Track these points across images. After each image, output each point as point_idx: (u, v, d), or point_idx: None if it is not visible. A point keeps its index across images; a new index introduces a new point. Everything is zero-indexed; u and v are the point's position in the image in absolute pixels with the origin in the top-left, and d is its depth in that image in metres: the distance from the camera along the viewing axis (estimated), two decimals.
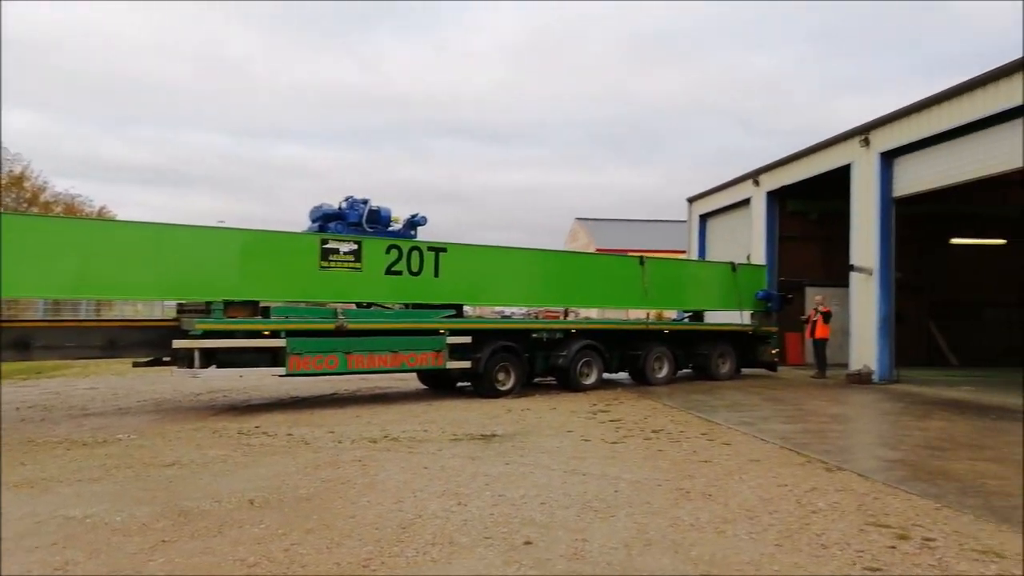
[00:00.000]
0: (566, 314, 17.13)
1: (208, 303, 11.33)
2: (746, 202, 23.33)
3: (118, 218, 23.00)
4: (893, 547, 4.98)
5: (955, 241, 23.35)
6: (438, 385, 14.55)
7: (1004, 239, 22.90)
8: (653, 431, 9.74)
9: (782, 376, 17.82)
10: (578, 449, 8.50)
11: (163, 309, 19.48)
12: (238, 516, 5.66)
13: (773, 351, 17.67)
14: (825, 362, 17.71)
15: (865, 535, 5.25)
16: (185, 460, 7.73)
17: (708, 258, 25.21)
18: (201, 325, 10.85)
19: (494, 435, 9.39)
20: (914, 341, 21.64)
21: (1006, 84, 12.91)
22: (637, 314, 18.96)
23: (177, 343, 10.76)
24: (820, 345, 17.85)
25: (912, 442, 9.06)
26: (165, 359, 11.42)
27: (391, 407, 12.12)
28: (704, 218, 26.84)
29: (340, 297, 12.55)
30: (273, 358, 11.41)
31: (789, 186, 20.99)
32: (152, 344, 11.33)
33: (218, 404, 12.47)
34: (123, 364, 13.50)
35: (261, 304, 11.72)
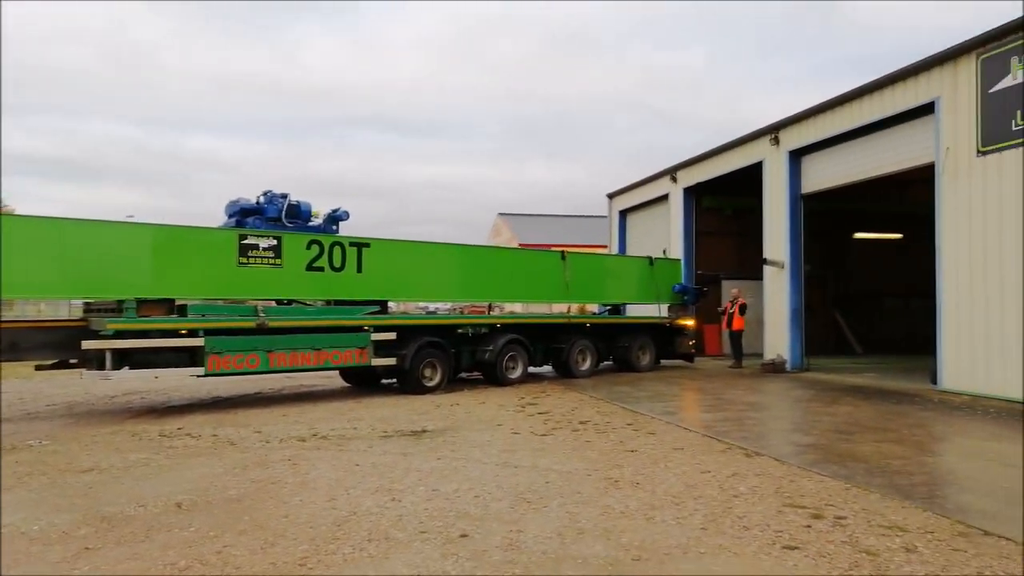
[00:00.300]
0: (490, 308, 17.20)
1: (119, 302, 10.86)
2: (664, 198, 23.96)
3: (16, 213, 21.72)
4: (809, 526, 5.29)
5: (858, 236, 24.65)
6: (361, 382, 14.42)
7: (901, 234, 24.31)
8: (580, 423, 9.96)
9: (700, 367, 18.46)
10: (508, 442, 8.62)
11: (70, 309, 18.56)
12: (165, 520, 5.51)
13: (690, 342, 18.24)
14: (742, 352, 18.44)
15: (783, 516, 5.55)
16: (104, 465, 7.45)
17: (629, 253, 25.76)
18: (113, 325, 10.45)
19: (424, 431, 9.41)
20: (822, 331, 22.78)
21: (903, 88, 13.72)
22: (560, 308, 19.26)
23: (87, 344, 10.31)
24: (736, 336, 18.56)
25: (823, 427, 9.57)
26: (72, 361, 10.92)
27: (318, 405, 11.95)
28: (624, 214, 27.42)
29: (260, 294, 12.23)
30: (191, 358, 11.09)
31: (705, 183, 21.69)
32: (58, 346, 10.77)
33: (135, 406, 12.02)
34: (26, 367, 12.78)
35: (177, 302, 11.35)
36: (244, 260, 11.77)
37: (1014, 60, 11.39)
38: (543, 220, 53.72)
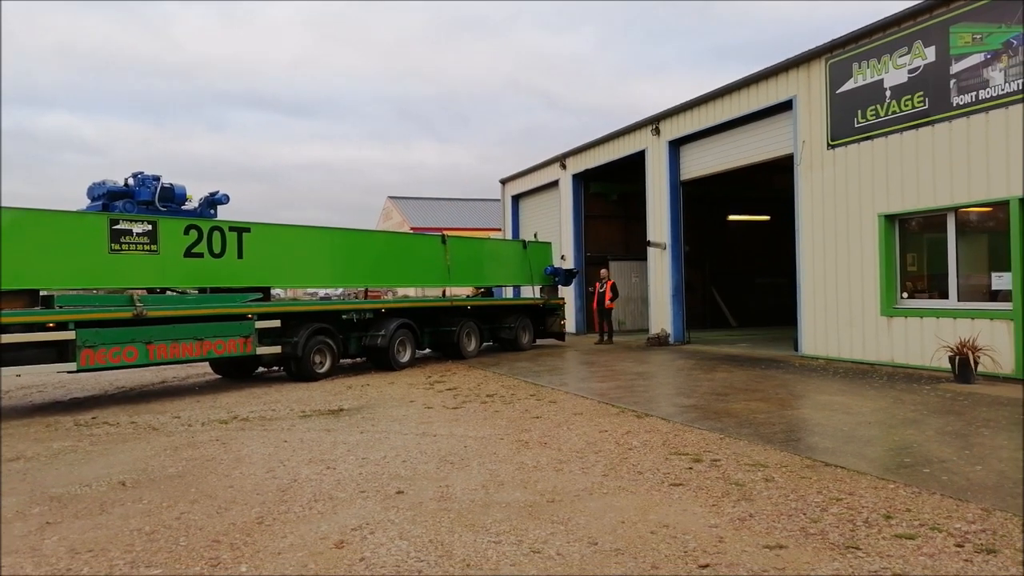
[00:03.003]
0: (366, 294, 17.26)
1: None
2: (555, 184, 25.10)
3: None
4: (690, 468, 6.31)
5: (731, 218, 26.69)
6: (234, 374, 14.05)
7: (769, 216, 26.51)
8: (488, 396, 10.79)
9: (575, 343, 19.74)
10: (424, 416, 9.32)
11: None
12: (114, 496, 5.89)
13: (562, 321, 19.35)
14: (612, 329, 19.88)
15: (670, 462, 6.56)
16: (29, 454, 7.60)
17: (522, 237, 26.78)
18: None
19: (341, 409, 9.95)
20: (701, 307, 24.68)
21: (765, 86, 15.25)
22: (437, 292, 19.65)
23: None
24: (607, 314, 19.93)
25: (702, 391, 10.82)
26: None
27: (229, 393, 12.19)
28: (516, 199, 28.41)
29: (135, 282, 11.52)
30: (59, 353, 10.37)
31: (592, 169, 22.96)
32: None
33: (36, 401, 11.84)
34: None
35: (42, 293, 10.72)
36: (116, 246, 11.14)
37: (855, 65, 13.01)
38: (434, 204, 54.07)
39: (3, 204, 10.25)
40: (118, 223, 11.25)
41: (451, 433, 8.13)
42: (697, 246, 23.25)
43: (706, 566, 4.11)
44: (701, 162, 18.14)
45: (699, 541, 4.50)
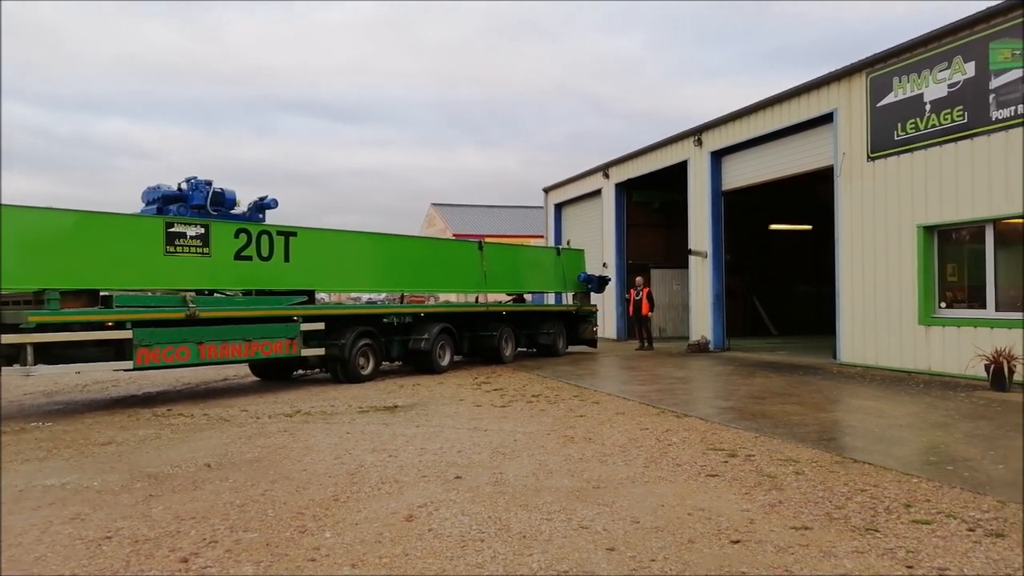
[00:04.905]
0: (402, 299, 17.44)
1: (38, 292, 10.23)
2: (597, 193, 25.59)
3: None
4: (726, 462, 6.78)
5: (773, 227, 26.83)
6: (273, 375, 14.40)
7: (811, 225, 26.59)
8: (533, 396, 11.34)
9: (612, 349, 20.15)
10: (474, 413, 9.91)
11: None
12: (204, 476, 6.59)
13: (594, 328, 19.66)
14: (651, 335, 20.24)
15: (707, 456, 7.03)
16: (119, 439, 8.38)
17: (567, 245, 27.31)
18: (34, 318, 9.86)
19: (396, 406, 10.60)
20: (741, 314, 24.88)
21: (807, 99, 15.56)
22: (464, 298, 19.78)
23: (7, 339, 9.69)
24: (645, 321, 20.28)
25: (740, 394, 11.22)
26: None
27: (287, 391, 12.95)
28: (559, 207, 28.95)
29: (188, 284, 11.80)
30: (117, 351, 10.66)
31: (635, 179, 23.39)
32: None
33: (112, 395, 12.74)
34: None
35: (101, 293, 10.95)
36: (171, 249, 11.39)
37: (895, 80, 13.29)
38: (477, 211, 54.83)
39: (62, 207, 10.63)
40: (173, 226, 11.52)
41: (501, 428, 8.70)
42: (738, 254, 23.48)
43: (737, 542, 4.59)
44: (742, 173, 18.47)
45: (731, 522, 4.98)
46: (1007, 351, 10.80)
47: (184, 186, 12.97)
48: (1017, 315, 11.41)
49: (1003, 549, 4.36)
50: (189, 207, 12.71)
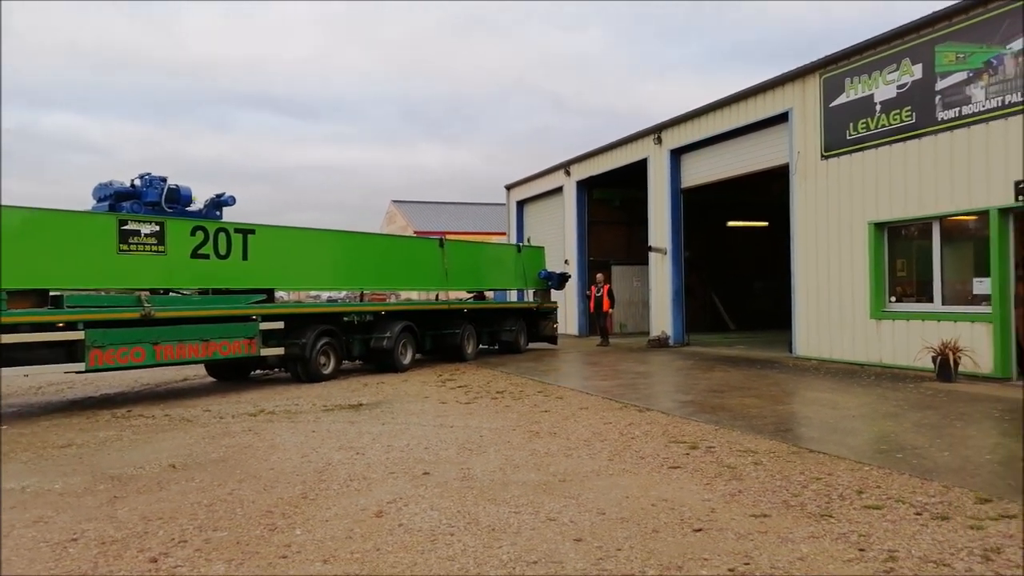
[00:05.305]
0: (362, 297, 17.16)
1: None
2: (559, 190, 25.78)
3: None
4: (687, 454, 6.96)
5: (731, 224, 27.34)
6: (230, 376, 14.17)
7: (767, 222, 27.16)
8: (498, 392, 11.45)
9: (574, 345, 20.39)
10: (439, 410, 9.97)
11: None
12: (169, 476, 6.54)
13: (554, 325, 19.82)
14: (605, 332, 20.45)
15: (669, 448, 7.21)
16: (78, 441, 8.25)
17: (529, 242, 27.45)
18: None
19: (361, 404, 10.61)
20: (701, 310, 25.32)
21: (763, 98, 15.92)
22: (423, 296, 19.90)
23: None
24: (605, 317, 20.55)
25: (700, 388, 11.47)
26: None
27: (250, 390, 12.84)
28: (521, 204, 29.10)
29: (142, 283, 11.49)
30: (68, 353, 10.34)
31: (596, 176, 23.64)
32: None
33: (67, 397, 12.50)
34: None
35: (52, 293, 10.65)
36: (125, 247, 11.07)
37: (847, 80, 13.69)
38: (438, 208, 54.71)
39: (9, 204, 10.15)
40: (127, 224, 11.20)
41: (467, 424, 8.78)
42: (697, 251, 23.87)
43: (699, 530, 4.76)
44: (701, 170, 18.81)
45: (694, 511, 5.15)
46: (953, 343, 11.23)
47: (138, 182, 12.61)
48: (962, 308, 11.86)
49: (947, 531, 4.59)
50: (143, 204, 12.35)
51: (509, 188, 29.61)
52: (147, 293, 11.48)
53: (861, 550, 4.32)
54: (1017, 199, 10.83)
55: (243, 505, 5.59)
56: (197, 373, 15.29)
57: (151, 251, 11.44)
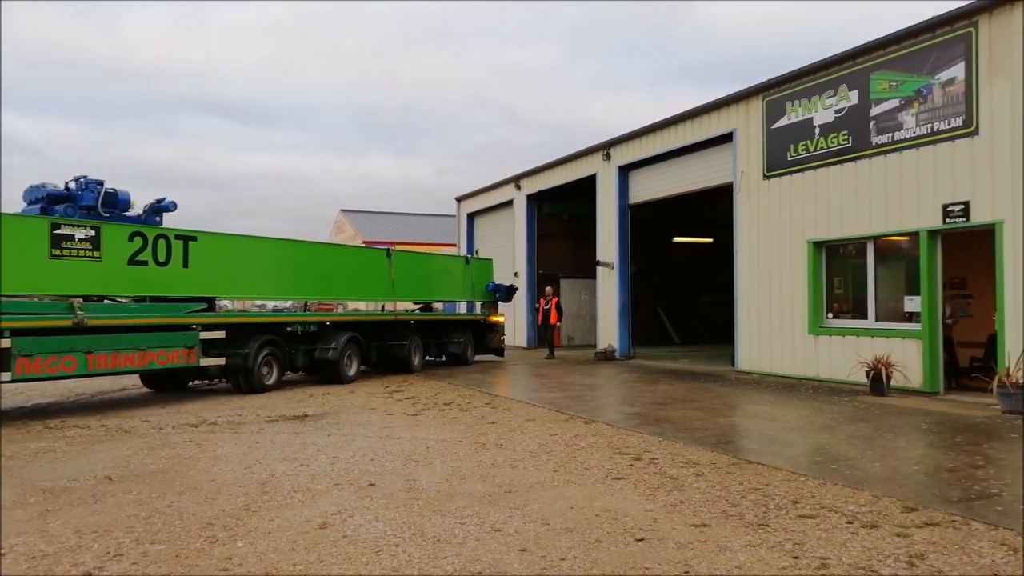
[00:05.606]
0: (306, 307, 17.26)
1: None
2: (509, 203, 25.96)
3: None
4: (631, 465, 7.09)
5: (677, 240, 27.89)
6: (167, 386, 13.71)
7: (712, 239, 27.79)
8: (445, 404, 11.44)
9: (523, 357, 20.52)
10: (386, 421, 9.92)
11: None
12: (104, 488, 6.36)
13: (501, 337, 19.82)
14: (552, 345, 20.61)
15: (613, 460, 7.32)
16: (8, 453, 7.94)
17: (479, 254, 27.50)
18: None
19: (306, 415, 10.47)
20: (646, 324, 25.73)
21: (708, 119, 16.35)
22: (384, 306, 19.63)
23: None
24: (552, 330, 20.72)
25: (645, 401, 11.66)
26: None
27: (192, 400, 12.56)
28: (472, 216, 29.17)
29: (76, 290, 11.05)
30: None
31: (546, 190, 23.88)
32: None
33: None
34: None
35: None
36: (57, 252, 10.66)
37: (788, 104, 14.17)
38: (388, 218, 54.41)
39: None
40: (59, 228, 10.76)
41: (413, 436, 8.76)
42: (643, 266, 24.27)
43: (641, 540, 4.85)
44: (648, 187, 19.17)
45: (636, 522, 5.25)
46: (885, 358, 11.68)
47: (73, 185, 12.19)
48: (894, 325, 12.34)
49: (876, 539, 4.79)
50: (78, 208, 11.92)
51: (460, 200, 29.67)
52: (80, 300, 11.07)
53: (795, 558, 4.47)
54: (945, 221, 11.37)
55: (183, 517, 5.48)
56: (136, 383, 14.84)
57: (86, 257, 11.04)
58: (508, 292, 20.52)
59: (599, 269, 20.76)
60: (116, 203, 12.36)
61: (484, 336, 19.36)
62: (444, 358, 18.63)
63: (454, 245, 31.29)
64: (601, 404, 11.61)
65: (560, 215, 25.92)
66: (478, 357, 19.48)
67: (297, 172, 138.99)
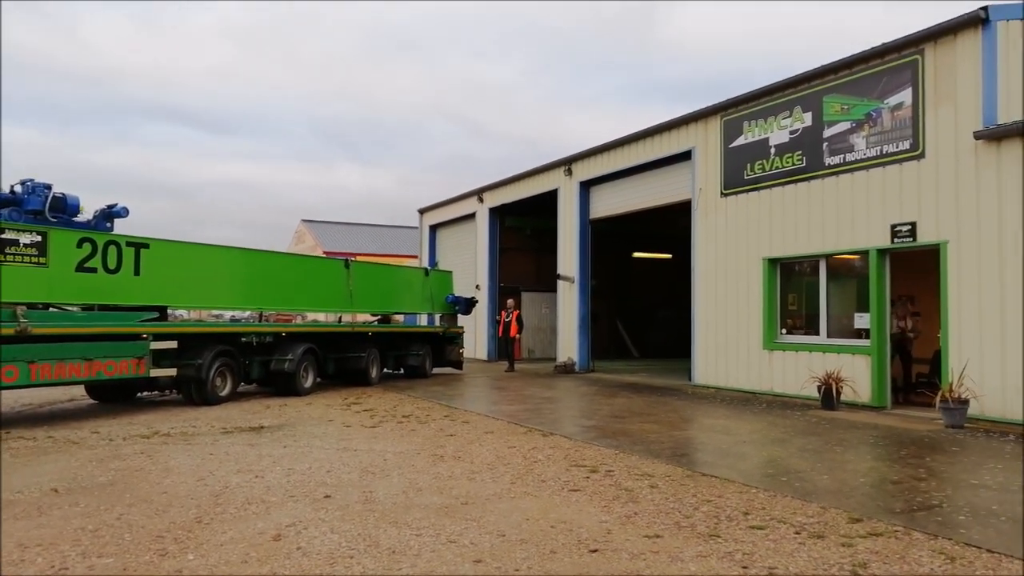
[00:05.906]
0: (260, 317, 17.00)
1: None
2: (472, 216, 26.02)
3: None
4: (588, 477, 7.16)
5: (637, 255, 28.23)
6: (114, 397, 13.34)
7: (670, 254, 28.20)
8: (404, 416, 11.40)
9: (482, 371, 20.55)
10: (343, 433, 9.85)
11: None
12: (50, 501, 6.21)
13: (460, 350, 19.73)
14: (511, 358, 20.67)
15: (570, 472, 7.38)
16: None
17: (440, 267, 27.47)
18: None
19: (262, 427, 10.34)
20: (606, 337, 25.97)
21: (668, 136, 16.66)
22: (343, 318, 19.66)
23: None
24: (512, 343, 20.81)
25: (602, 414, 11.77)
26: None
27: (144, 412, 12.30)
28: (434, 228, 29.15)
29: (20, 296, 10.62)
30: None
31: (509, 204, 24.00)
32: None
33: None
34: None
35: None
36: (0, 257, 10.31)
37: (745, 124, 14.52)
38: (349, 228, 54.01)
39: None
40: (3, 232, 10.41)
41: (371, 448, 8.71)
42: (603, 280, 24.54)
43: (595, 551, 4.91)
44: (609, 202, 19.41)
45: (591, 533, 5.31)
46: (835, 374, 11.98)
47: (18, 189, 11.85)
48: (845, 341, 12.67)
49: (822, 549, 4.92)
50: (23, 212, 11.58)
51: (422, 212, 29.64)
52: (24, 308, 10.67)
53: (744, 567, 4.58)
54: (893, 241, 11.74)
55: (132, 530, 5.38)
56: (84, 394, 14.52)
57: (31, 262, 10.66)
58: (468, 305, 20.48)
59: (560, 283, 20.92)
60: (65, 208, 12.07)
61: (443, 349, 19.25)
62: (403, 370, 18.51)
63: (416, 257, 31.22)
64: (559, 417, 11.68)
65: (523, 229, 26.06)
66: (437, 370, 19.41)
67: (258, 181, 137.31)
